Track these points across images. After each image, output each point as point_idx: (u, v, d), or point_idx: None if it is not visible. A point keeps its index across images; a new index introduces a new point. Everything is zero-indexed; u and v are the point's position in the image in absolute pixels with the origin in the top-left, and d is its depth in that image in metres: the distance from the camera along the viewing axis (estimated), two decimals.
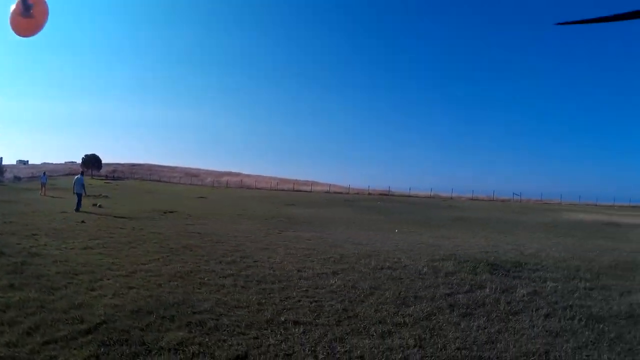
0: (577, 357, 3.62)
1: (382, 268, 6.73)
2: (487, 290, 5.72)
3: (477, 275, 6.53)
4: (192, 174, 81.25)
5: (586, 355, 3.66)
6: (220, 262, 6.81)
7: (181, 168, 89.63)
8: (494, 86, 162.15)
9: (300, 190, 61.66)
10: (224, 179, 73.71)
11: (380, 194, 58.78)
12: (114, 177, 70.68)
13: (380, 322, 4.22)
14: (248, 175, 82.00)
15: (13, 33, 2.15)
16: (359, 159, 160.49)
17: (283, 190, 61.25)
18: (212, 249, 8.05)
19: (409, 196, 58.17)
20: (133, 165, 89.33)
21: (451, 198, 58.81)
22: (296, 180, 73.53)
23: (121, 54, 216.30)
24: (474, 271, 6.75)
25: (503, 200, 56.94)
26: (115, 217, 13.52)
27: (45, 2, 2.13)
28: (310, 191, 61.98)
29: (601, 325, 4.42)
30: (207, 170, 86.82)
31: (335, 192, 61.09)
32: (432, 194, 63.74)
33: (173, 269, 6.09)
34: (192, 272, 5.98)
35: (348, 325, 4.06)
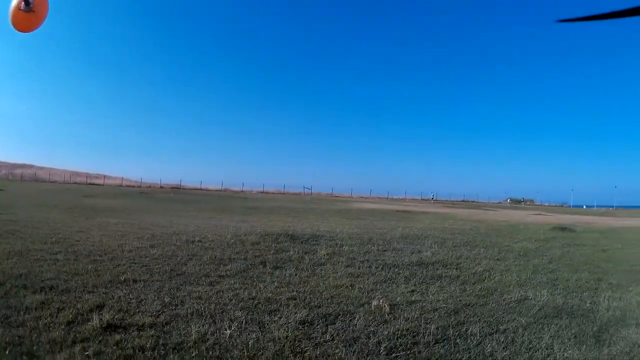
0: (377, 287, 4.99)
1: (193, 242, 7.67)
2: (291, 252, 7.02)
3: (280, 243, 7.85)
4: None
5: (386, 287, 5.07)
6: (46, 243, 7.00)
7: None
8: (276, 80, 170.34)
9: (94, 184, 60.09)
10: (18, 171, 73.22)
11: (172, 187, 59.97)
12: None
13: (205, 276, 5.16)
14: (41, 168, 79.29)
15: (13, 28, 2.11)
16: (150, 153, 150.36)
17: (77, 183, 59.36)
18: (34, 233, 8.15)
19: (201, 189, 60.64)
20: None
21: (242, 191, 63.40)
22: (88, 173, 73.69)
23: None
24: (276, 241, 8.10)
25: (294, 193, 64.38)
26: None
27: None
28: (104, 184, 61.35)
29: (396, 269, 6.03)
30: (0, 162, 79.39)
31: (128, 186, 61.04)
32: (223, 187, 67.63)
33: (5, 250, 6.14)
34: (24, 251, 6.14)
35: (180, 280, 4.91)
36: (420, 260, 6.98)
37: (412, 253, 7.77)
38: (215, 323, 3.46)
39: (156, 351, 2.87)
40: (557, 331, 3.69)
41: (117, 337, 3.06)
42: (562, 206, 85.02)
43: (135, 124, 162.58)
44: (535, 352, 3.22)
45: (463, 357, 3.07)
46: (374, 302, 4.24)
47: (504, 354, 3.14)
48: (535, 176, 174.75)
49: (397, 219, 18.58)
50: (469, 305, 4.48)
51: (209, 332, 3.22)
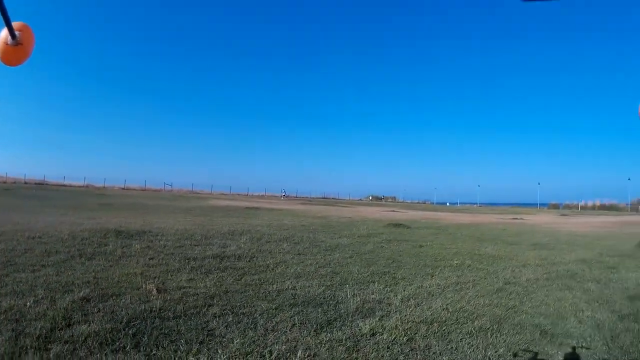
0: (161, 275, 5.41)
1: (34, 238, 8.04)
2: (110, 246, 7.52)
3: (106, 238, 8.32)
4: None
5: (170, 275, 5.50)
6: None
7: None
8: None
9: None
10: None
11: (37, 183, 54.42)
12: None
13: (31, 265, 5.69)
14: None
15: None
16: (16, 147, 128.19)
17: None
18: None
19: (64, 185, 56.11)
20: None
21: (104, 187, 59.82)
22: None
23: None
24: (104, 236, 8.53)
25: (155, 190, 60.81)
26: None
27: (30, 28, 1.94)
28: None
29: (192, 261, 6.50)
30: None
31: None
32: (85, 183, 62.94)
33: None
34: None
35: (11, 269, 5.45)
36: (220, 254, 7.33)
37: (219, 247, 7.98)
38: (23, 298, 4.24)
39: None
40: (291, 317, 4.01)
41: None
42: (424, 203, 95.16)
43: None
44: (261, 331, 3.68)
45: (185, 328, 3.64)
46: (146, 286, 4.88)
47: (226, 330, 3.68)
48: (402, 174, 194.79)
49: (243, 215, 18.52)
50: (228, 292, 4.88)
51: (16, 305, 4.00)
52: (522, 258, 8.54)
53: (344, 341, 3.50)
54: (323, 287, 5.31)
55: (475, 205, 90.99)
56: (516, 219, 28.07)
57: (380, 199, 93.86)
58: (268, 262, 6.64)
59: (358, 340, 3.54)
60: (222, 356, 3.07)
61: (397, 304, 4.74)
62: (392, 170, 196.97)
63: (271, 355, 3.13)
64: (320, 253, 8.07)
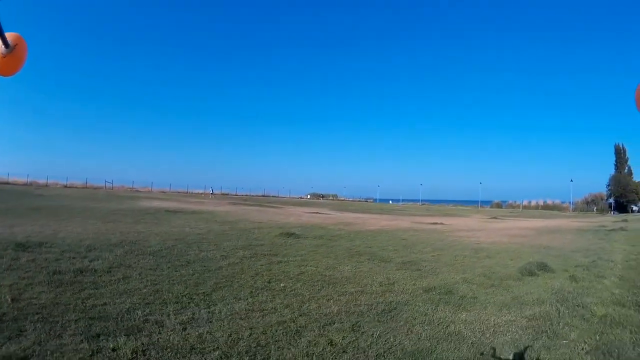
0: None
1: None
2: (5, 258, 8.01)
3: (6, 251, 8.70)
4: None
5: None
6: None
7: None
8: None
9: None
10: None
11: None
12: None
13: None
14: None
15: None
16: None
17: None
18: None
19: (8, 183, 56.09)
20: None
21: (47, 185, 59.29)
22: None
23: None
24: (4, 249, 8.90)
25: (96, 188, 59.87)
26: None
27: (23, 39, 2.11)
28: None
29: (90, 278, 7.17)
30: None
31: None
32: (29, 180, 62.90)
33: None
34: None
35: None
36: (84, 268, 7.96)
37: (90, 260, 8.71)
38: None
39: None
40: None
41: None
42: (366, 201, 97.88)
43: None
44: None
45: None
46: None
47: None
48: (347, 172, 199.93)
49: (155, 220, 18.73)
50: (58, 304, 5.62)
51: None
52: (371, 282, 8.19)
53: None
54: (129, 304, 5.76)
55: (418, 204, 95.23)
56: (436, 223, 28.69)
57: (321, 197, 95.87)
58: (116, 277, 7.33)
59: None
60: None
61: (170, 326, 5.05)
62: (338, 168, 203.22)
63: None
64: (172, 268, 8.36)
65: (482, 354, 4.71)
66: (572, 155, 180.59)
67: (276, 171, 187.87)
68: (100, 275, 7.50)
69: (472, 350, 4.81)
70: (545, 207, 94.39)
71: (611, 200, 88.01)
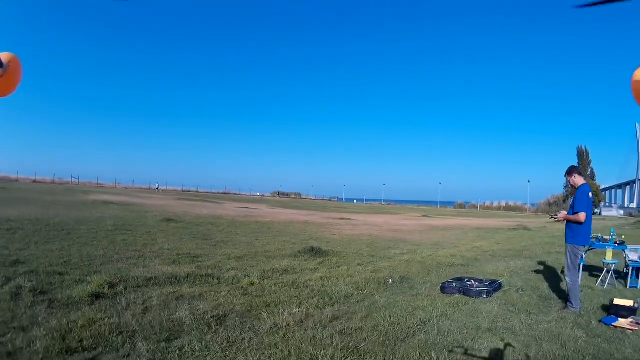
0: None
1: None
2: None
3: None
4: None
5: None
6: None
7: None
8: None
9: None
10: None
11: None
12: None
13: None
14: None
15: None
16: None
17: None
18: None
19: None
20: None
21: (17, 180, 62.31)
22: None
23: None
24: None
25: (62, 183, 64.38)
26: None
27: (18, 59, 2.16)
28: None
29: None
30: None
31: None
32: None
33: None
34: None
35: None
36: None
37: None
38: None
39: None
40: None
41: None
42: (330, 200, 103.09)
43: None
44: None
45: None
46: None
47: None
48: (315, 171, 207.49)
49: (80, 209, 23.30)
50: None
51: None
52: (174, 248, 12.94)
53: None
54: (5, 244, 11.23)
55: (380, 203, 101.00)
56: (343, 218, 32.26)
57: (285, 195, 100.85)
58: (9, 234, 12.85)
59: None
60: None
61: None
62: (308, 168, 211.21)
63: None
64: (48, 233, 12.43)
65: None
66: (531, 157, 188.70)
67: (250, 170, 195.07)
68: (4, 232, 12.58)
69: None
70: (507, 207, 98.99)
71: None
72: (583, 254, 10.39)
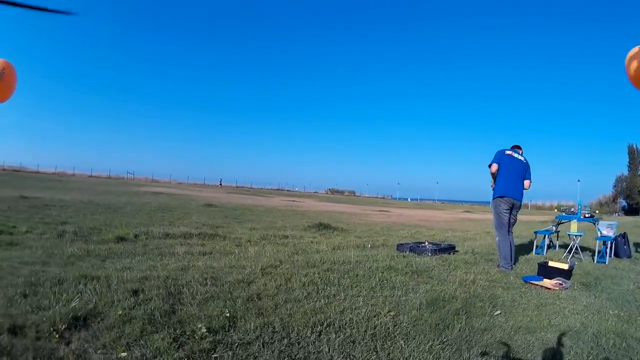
0: None
1: None
2: None
3: None
4: None
5: None
6: None
7: None
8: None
9: None
10: None
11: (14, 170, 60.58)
12: None
13: None
14: None
15: None
16: None
17: None
18: None
19: (38, 172, 63.18)
20: None
21: (73, 175, 66.99)
22: None
23: None
24: None
25: (117, 178, 69.27)
26: None
27: (12, 65, 2.13)
28: None
29: None
30: None
31: None
32: (57, 170, 71.14)
33: None
34: None
35: None
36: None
37: None
38: None
39: None
40: None
41: None
42: (383, 198, 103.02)
43: None
44: None
45: None
46: None
47: None
48: (370, 170, 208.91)
49: (131, 196, 26.34)
50: None
51: None
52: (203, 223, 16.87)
53: None
54: (61, 215, 14.07)
55: (433, 202, 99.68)
56: (381, 211, 32.41)
57: (338, 192, 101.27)
58: (61, 210, 15.31)
59: None
60: None
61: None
62: (362, 165, 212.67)
63: None
64: (91, 211, 14.47)
65: None
66: (580, 157, 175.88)
67: (296, 166, 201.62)
68: (58, 208, 15.05)
69: None
70: (559, 207, 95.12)
71: (623, 202, 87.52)
72: (553, 227, 10.81)
